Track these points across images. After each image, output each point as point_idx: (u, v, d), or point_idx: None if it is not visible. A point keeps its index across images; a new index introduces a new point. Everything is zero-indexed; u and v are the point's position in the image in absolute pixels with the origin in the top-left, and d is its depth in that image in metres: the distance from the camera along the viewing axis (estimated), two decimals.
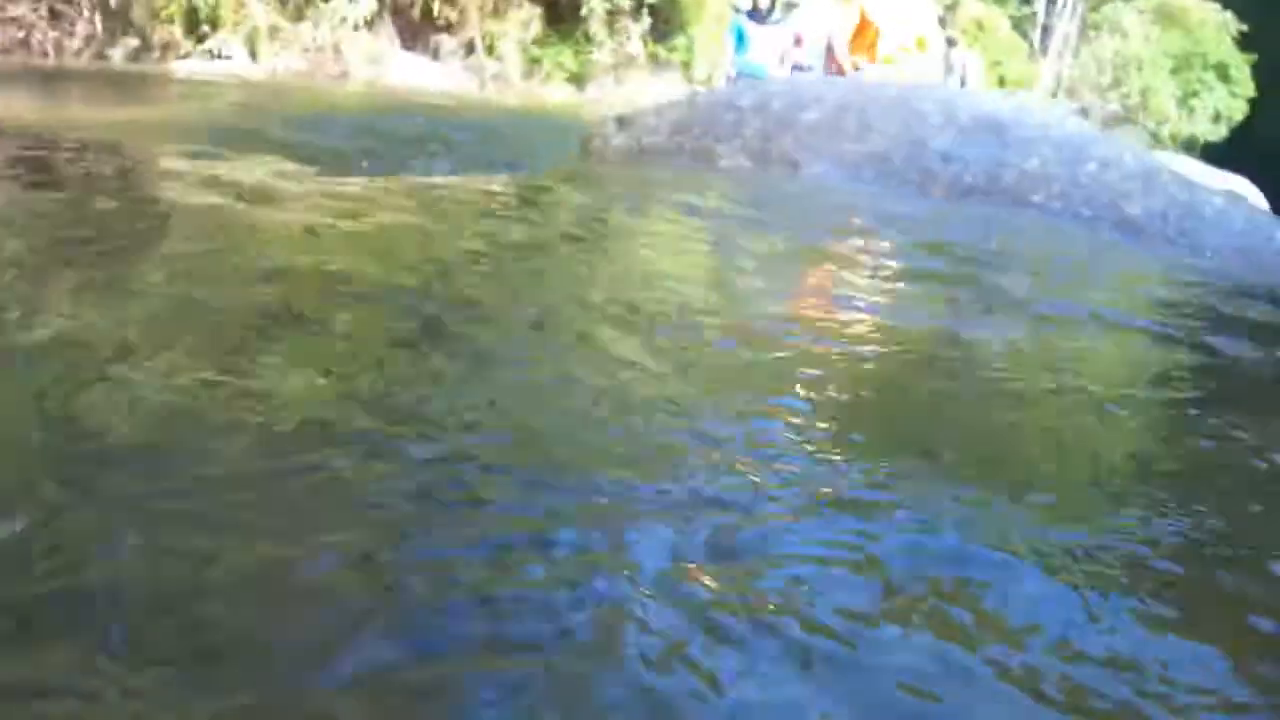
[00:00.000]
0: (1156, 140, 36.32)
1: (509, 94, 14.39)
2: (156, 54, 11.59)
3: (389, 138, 3.78)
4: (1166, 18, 37.45)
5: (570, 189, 2.64)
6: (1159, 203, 2.97)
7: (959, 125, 3.16)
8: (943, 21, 29.24)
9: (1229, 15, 39.71)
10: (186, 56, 11.40)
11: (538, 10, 14.92)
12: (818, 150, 3.06)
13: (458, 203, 2.57)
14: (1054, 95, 34.03)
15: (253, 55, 11.88)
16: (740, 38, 12.29)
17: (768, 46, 12.14)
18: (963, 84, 23.58)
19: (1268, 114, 41.03)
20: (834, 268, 2.50)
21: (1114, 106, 35.03)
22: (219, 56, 11.51)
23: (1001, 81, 30.82)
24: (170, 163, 4.02)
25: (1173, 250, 2.88)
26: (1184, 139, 37.31)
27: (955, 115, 3.20)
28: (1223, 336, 2.42)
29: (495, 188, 2.52)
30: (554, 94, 15.09)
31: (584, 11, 14.90)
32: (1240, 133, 39.17)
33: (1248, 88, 37.98)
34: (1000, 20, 32.08)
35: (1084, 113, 25.32)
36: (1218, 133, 37.39)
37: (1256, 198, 22.90)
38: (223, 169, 3.75)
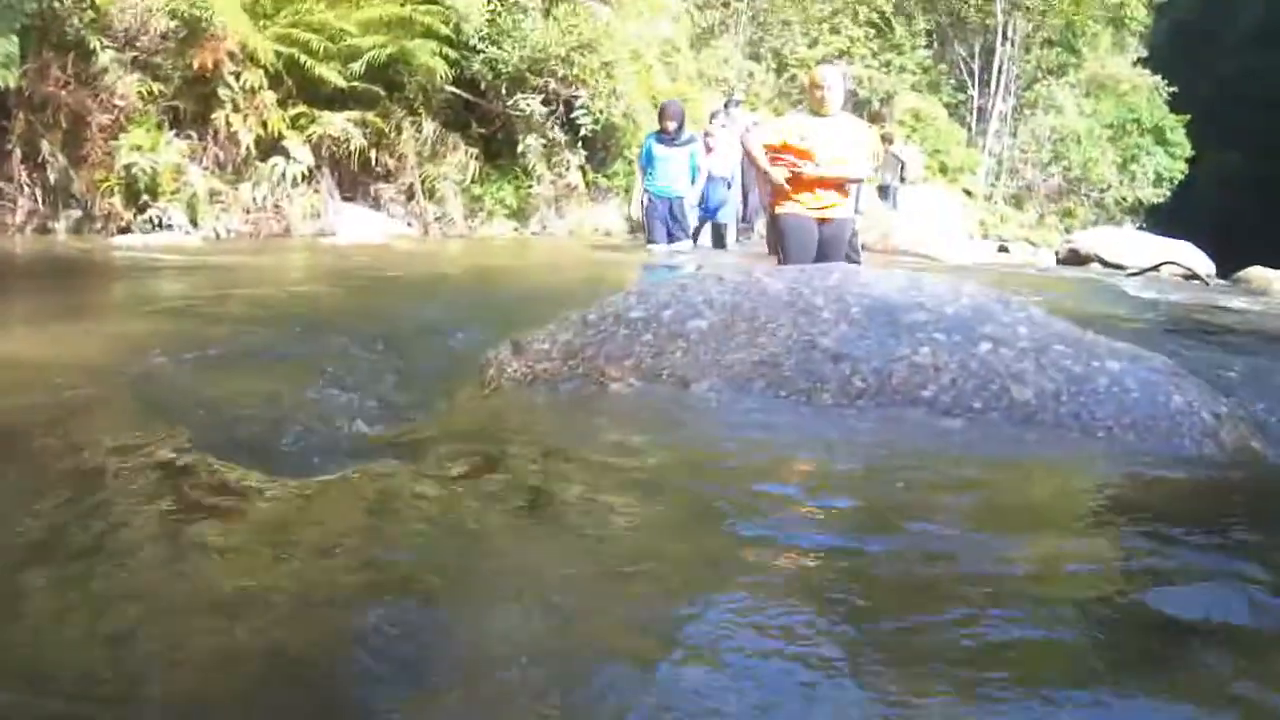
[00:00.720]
0: (1102, 208, 36.84)
1: (453, 236, 14.47)
2: (99, 225, 11.64)
3: (272, 373, 3.64)
4: (1099, 88, 38.11)
5: (452, 458, 2.56)
6: (1051, 382, 2.91)
7: (850, 317, 3.10)
8: (879, 116, 29.69)
9: (1159, 79, 40.50)
10: (127, 228, 11.43)
11: (474, 150, 15.03)
12: (707, 363, 3.00)
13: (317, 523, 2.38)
14: (996, 177, 34.49)
15: (193, 222, 11.92)
16: (649, 160, 12.50)
17: (677, 168, 12.37)
18: (903, 179, 23.90)
19: (1205, 171, 41.70)
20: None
21: (1056, 181, 35.53)
22: (160, 226, 11.52)
23: (944, 169, 31.22)
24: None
25: (1063, 437, 2.82)
26: (1128, 205, 37.83)
27: (846, 306, 3.15)
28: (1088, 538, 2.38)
29: (373, 479, 2.41)
30: (497, 230, 15.19)
31: (520, 148, 15.01)
32: (1182, 191, 39.78)
33: (1185, 148, 38.59)
34: (936, 109, 32.55)
35: (1004, 249, 25.60)
36: (1160, 195, 37.91)
37: (1200, 261, 23.16)
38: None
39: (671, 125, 12.55)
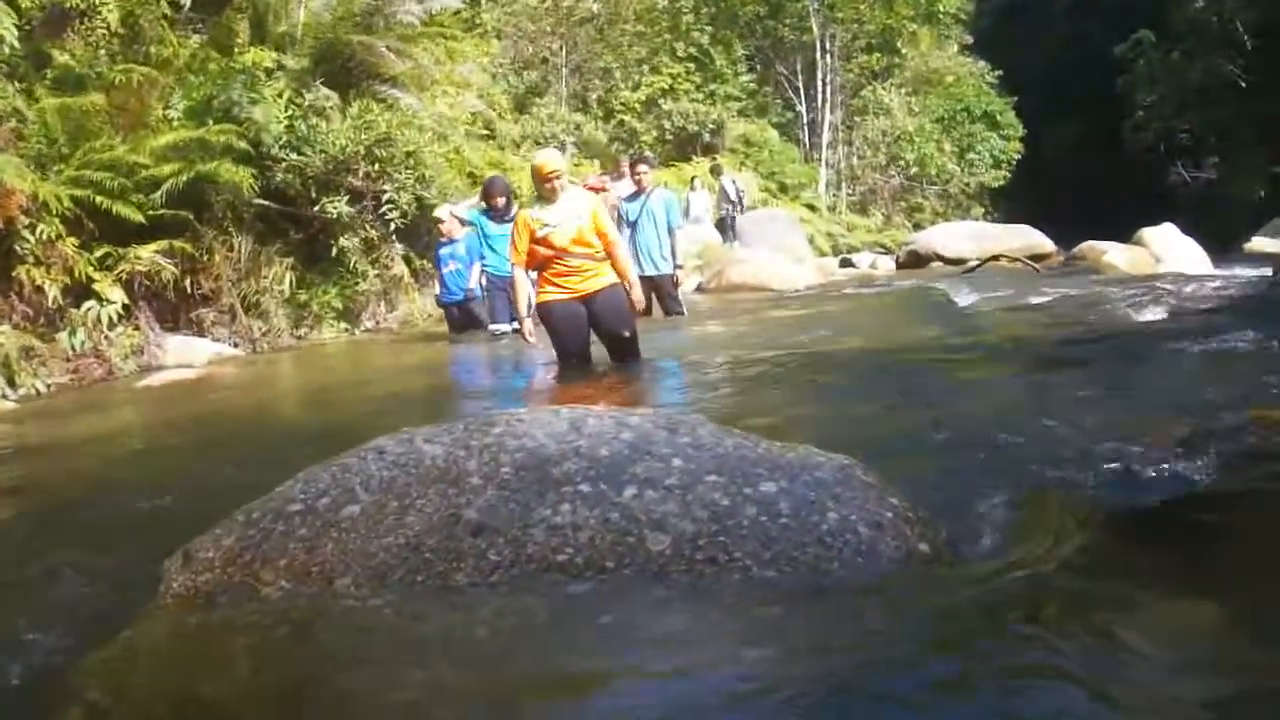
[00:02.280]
0: (949, 198, 37.54)
1: (282, 348, 14.33)
2: None
3: None
4: (925, 84, 38.85)
5: None
6: (693, 524, 2.84)
7: (499, 479, 3.04)
8: (712, 148, 29.97)
9: (983, 65, 41.46)
10: None
11: (291, 260, 14.90)
12: (354, 553, 2.95)
13: None
14: (836, 187, 34.95)
15: (11, 383, 11.65)
16: (484, 239, 12.38)
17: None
18: (740, 206, 24.17)
19: (1047, 144, 42.73)
20: None
21: (898, 181, 36.10)
22: None
23: (783, 188, 31.57)
24: None
25: (693, 586, 2.76)
26: (973, 191, 38.61)
27: (498, 466, 3.10)
28: None
29: None
30: (327, 335, 15.08)
31: (334, 253, 14.91)
32: (1027, 167, 40.69)
33: (1016, 128, 39.49)
34: (767, 131, 32.94)
35: (846, 262, 25.96)
36: (1001, 177, 38.72)
37: (1039, 241, 23.64)
38: None
39: (500, 201, 12.40)
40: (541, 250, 7.92)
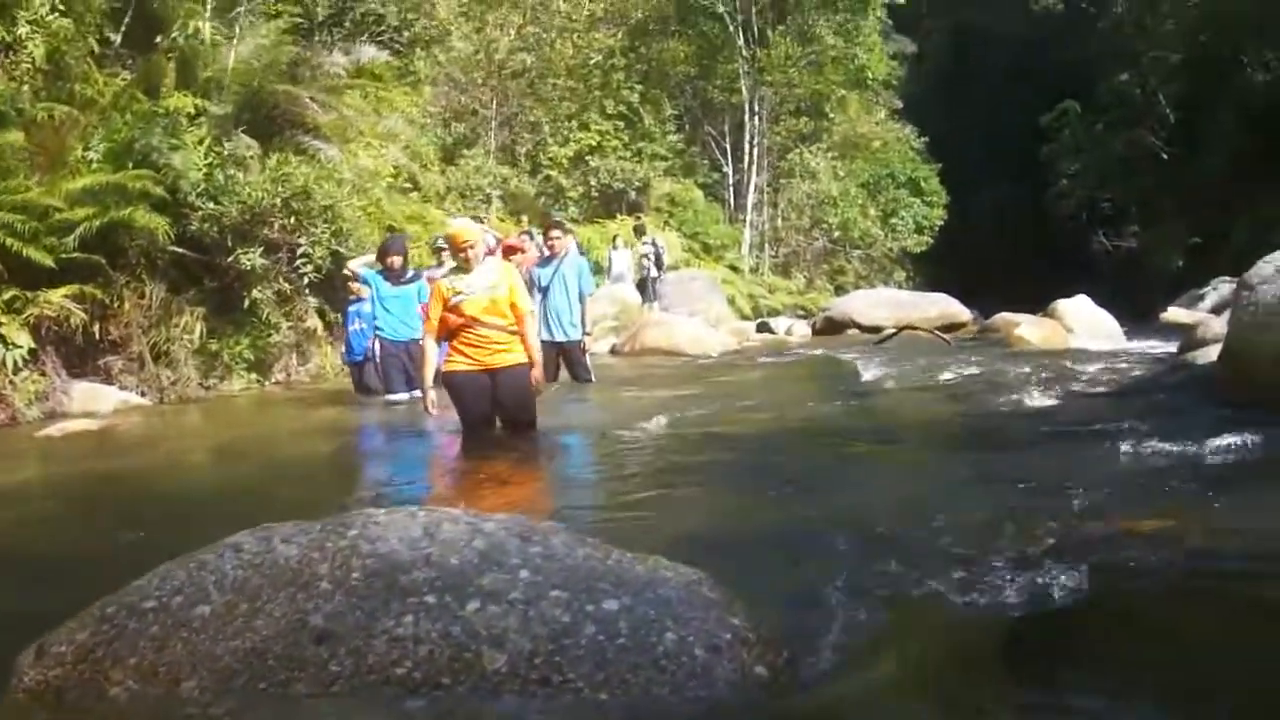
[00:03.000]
0: (872, 262, 37.98)
1: (190, 399, 14.23)
2: None
3: None
4: (853, 148, 39.30)
5: None
6: (531, 641, 2.86)
7: (349, 585, 3.08)
8: (637, 206, 30.13)
9: (910, 131, 42.09)
10: None
11: (202, 310, 14.81)
12: (202, 655, 2.97)
13: None
14: (759, 248, 35.21)
15: None
16: (379, 301, 12.23)
17: (411, 308, 11.87)
18: (659, 265, 24.33)
19: (965, 211, 43.38)
20: None
21: (821, 244, 36.40)
22: None
23: (707, 248, 31.79)
24: None
25: (524, 707, 2.82)
26: (895, 256, 39.08)
27: (349, 571, 3.15)
28: None
29: None
30: (237, 387, 15.00)
31: (246, 304, 14.84)
32: (946, 235, 41.27)
33: (940, 195, 40.07)
34: (693, 191, 33.15)
35: (764, 326, 26.08)
36: (924, 243, 39.22)
37: (959, 310, 23.97)
38: None
39: (395, 261, 12.31)
40: (453, 318, 7.97)
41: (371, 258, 13.09)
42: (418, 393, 10.44)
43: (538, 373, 8.43)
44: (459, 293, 7.93)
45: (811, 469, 7.07)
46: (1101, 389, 10.55)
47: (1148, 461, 6.50)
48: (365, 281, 12.61)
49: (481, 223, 17.41)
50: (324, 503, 3.83)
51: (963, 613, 3.78)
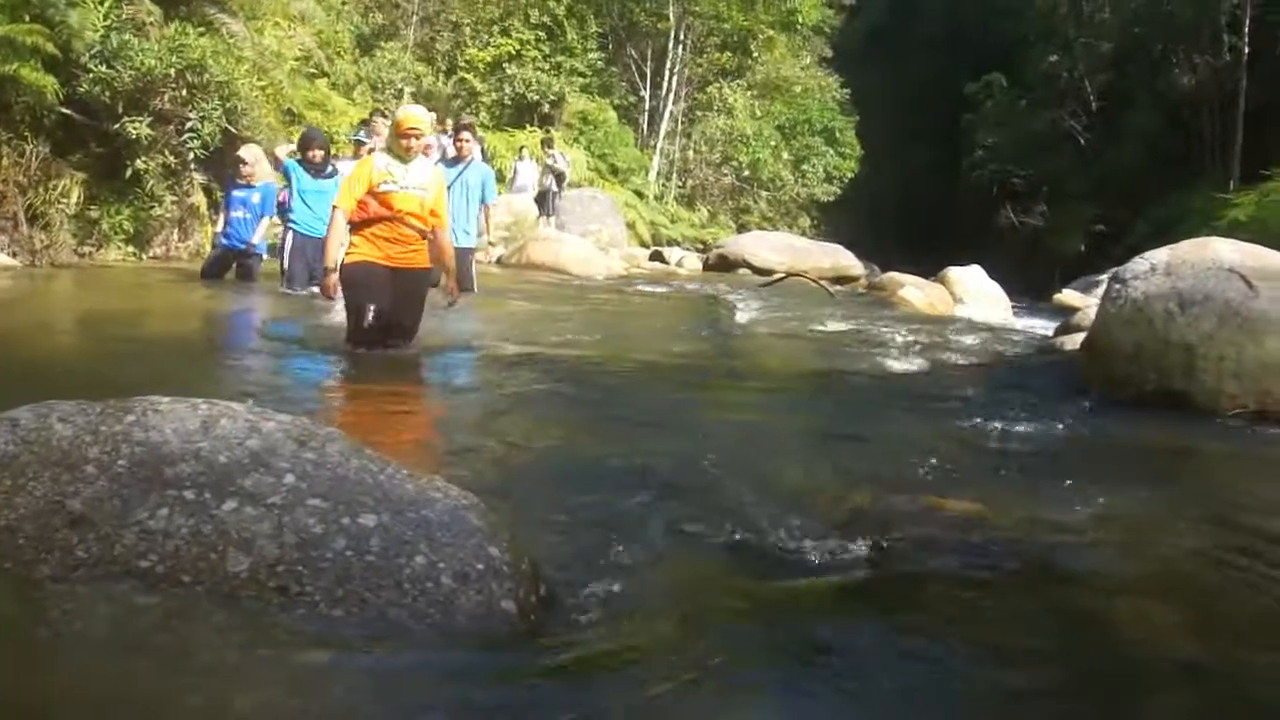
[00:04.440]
0: (779, 204, 38.09)
1: (62, 265, 13.93)
2: None
3: None
4: (773, 89, 39.23)
5: None
6: (279, 548, 2.76)
7: (114, 472, 3.09)
8: (549, 119, 29.92)
9: (833, 81, 42.12)
10: None
11: (84, 176, 14.48)
12: None
13: None
14: (666, 177, 35.16)
15: None
16: (299, 193, 12.01)
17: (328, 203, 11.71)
18: (562, 181, 24.21)
19: (880, 168, 43.74)
20: None
21: (730, 180, 36.42)
22: None
23: (614, 170, 31.68)
24: None
25: (258, 614, 2.64)
26: (802, 202, 39.21)
27: (116, 459, 3.15)
28: None
29: None
30: (114, 257, 14.72)
31: (129, 174, 14.51)
32: (859, 190, 41.57)
33: (855, 148, 40.24)
34: (607, 111, 32.97)
35: (657, 255, 25.96)
36: (831, 192, 39.40)
37: (852, 264, 24.14)
38: None
39: (317, 154, 12.10)
40: (374, 205, 7.56)
41: (289, 148, 12.87)
42: (315, 288, 10.58)
43: (453, 284, 8.28)
44: (392, 181, 7.54)
45: (648, 406, 7.02)
46: (966, 361, 10.51)
47: (986, 441, 6.53)
48: (286, 172, 12.38)
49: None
50: (147, 385, 3.69)
51: (741, 569, 3.81)
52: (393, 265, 7.66)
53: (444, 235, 8.04)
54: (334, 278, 7.73)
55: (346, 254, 7.77)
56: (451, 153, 12.76)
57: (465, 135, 12.62)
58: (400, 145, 7.64)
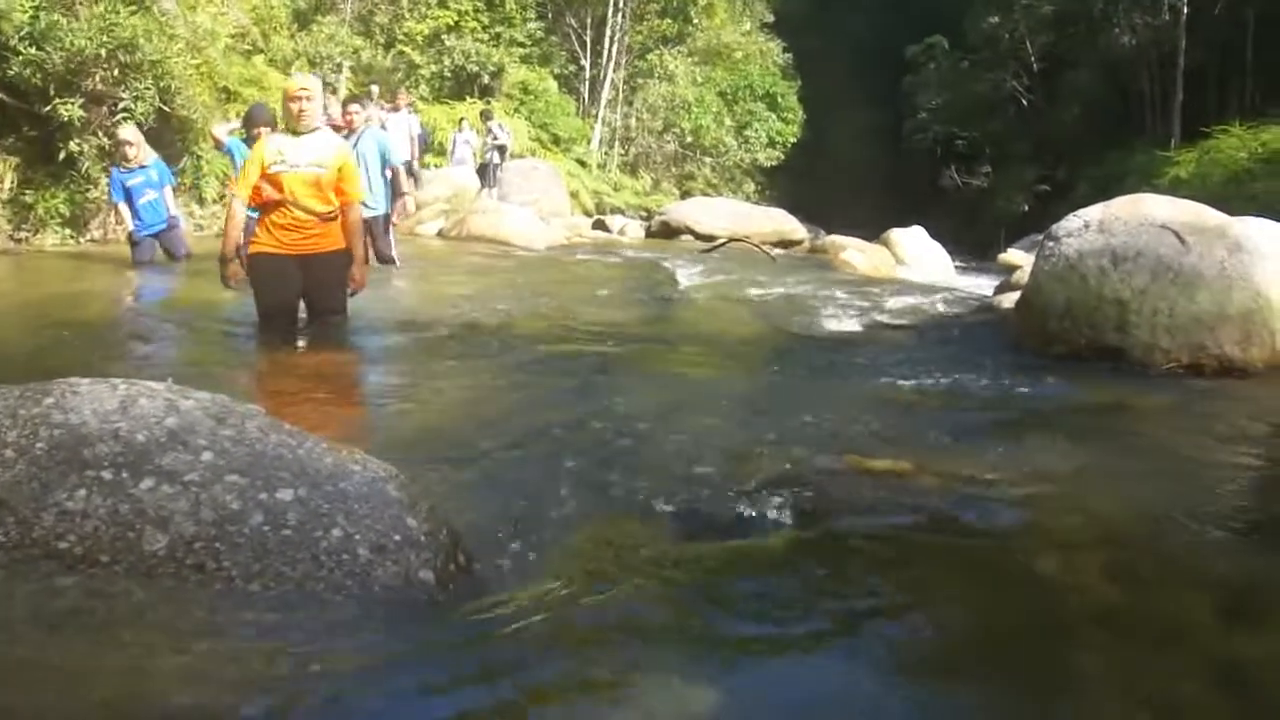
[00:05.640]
0: (723, 171, 38.10)
1: None
2: None
3: None
4: (714, 55, 39.17)
5: None
6: (196, 525, 2.52)
7: (33, 454, 3.12)
8: (489, 90, 29.79)
9: (774, 46, 42.08)
10: None
11: (16, 160, 14.31)
12: None
13: None
14: (609, 145, 35.11)
15: None
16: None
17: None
18: (503, 153, 24.12)
19: (823, 132, 43.79)
20: None
21: (673, 148, 36.39)
22: None
23: (556, 140, 31.59)
24: None
25: (173, 592, 2.55)
26: (746, 167, 39.22)
27: (35, 441, 3.15)
28: None
29: None
30: (50, 242, 14.56)
31: (63, 157, 14.33)
32: (803, 154, 41.61)
33: (797, 112, 40.24)
34: (547, 81, 32.84)
35: (600, 224, 25.87)
36: (775, 157, 39.41)
37: (795, 228, 24.22)
38: None
39: (264, 132, 11.71)
40: (267, 189, 7.14)
41: (236, 124, 12.72)
42: None
43: (359, 271, 7.62)
44: (280, 160, 7.13)
45: (581, 374, 7.02)
46: (903, 322, 10.49)
47: (918, 400, 6.58)
48: (228, 151, 12.15)
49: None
50: (75, 369, 3.68)
51: (665, 532, 3.85)
52: (297, 253, 7.31)
53: (353, 213, 7.53)
54: (232, 266, 7.44)
55: (251, 243, 7.52)
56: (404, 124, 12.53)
57: (354, 107, 12.36)
58: (290, 112, 7.25)
